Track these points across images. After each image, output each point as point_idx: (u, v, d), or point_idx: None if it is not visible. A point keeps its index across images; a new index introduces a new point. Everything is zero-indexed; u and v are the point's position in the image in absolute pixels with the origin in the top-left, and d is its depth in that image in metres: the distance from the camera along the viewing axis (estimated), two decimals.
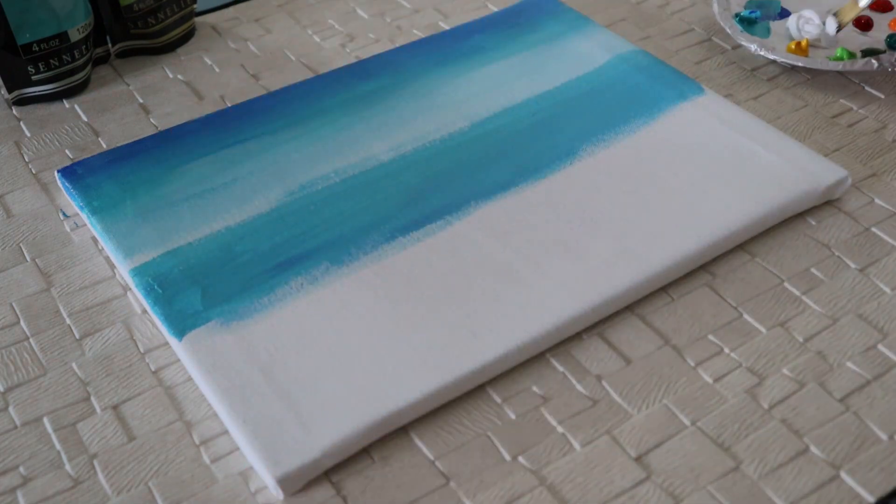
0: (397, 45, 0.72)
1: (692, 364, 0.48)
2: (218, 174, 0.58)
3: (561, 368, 0.49)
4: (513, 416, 0.46)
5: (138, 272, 0.52)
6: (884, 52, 0.67)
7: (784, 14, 0.72)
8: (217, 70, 0.70)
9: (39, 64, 0.65)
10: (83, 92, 0.68)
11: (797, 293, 0.52)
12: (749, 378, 0.48)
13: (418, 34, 0.73)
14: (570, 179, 0.57)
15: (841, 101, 0.66)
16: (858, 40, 0.69)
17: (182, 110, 0.66)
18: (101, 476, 0.44)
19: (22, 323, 0.52)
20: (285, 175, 0.58)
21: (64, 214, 0.58)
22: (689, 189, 0.56)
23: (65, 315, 0.52)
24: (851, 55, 0.67)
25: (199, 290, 0.51)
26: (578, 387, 0.48)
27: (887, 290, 0.52)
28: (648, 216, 0.54)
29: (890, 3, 0.72)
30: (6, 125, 0.65)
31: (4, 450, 0.45)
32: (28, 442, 0.46)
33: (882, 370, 0.48)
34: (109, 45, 0.70)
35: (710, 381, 0.48)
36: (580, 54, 0.67)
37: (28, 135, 0.64)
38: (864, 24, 0.70)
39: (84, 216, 0.56)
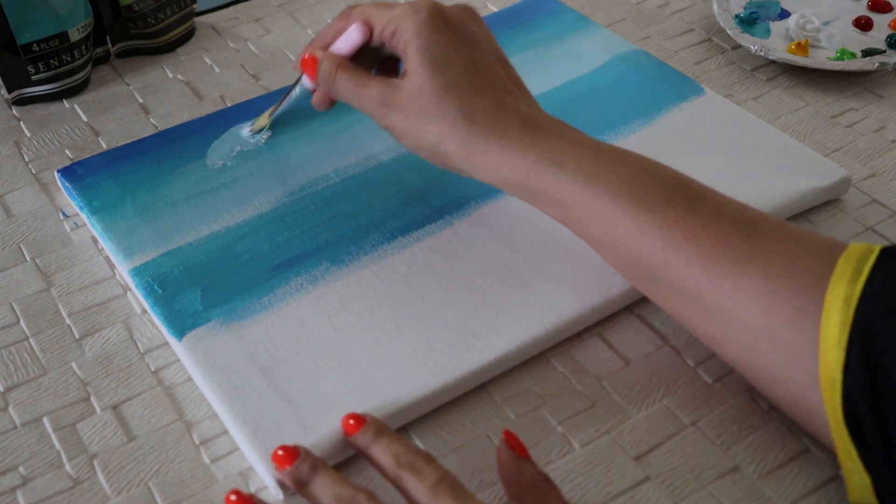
0: None
1: (692, 364, 0.48)
2: (218, 174, 0.58)
3: (561, 369, 0.49)
4: (513, 416, 0.46)
5: (138, 272, 0.52)
6: (884, 52, 0.67)
7: (784, 15, 0.72)
8: (217, 70, 0.70)
9: (39, 64, 0.65)
10: (83, 92, 0.68)
11: None
12: None
13: None
14: None
15: (841, 101, 0.66)
16: (858, 40, 0.69)
17: (182, 110, 0.66)
18: (101, 476, 0.44)
19: (22, 323, 0.52)
20: (285, 175, 0.58)
21: (64, 214, 0.58)
22: None
23: (65, 315, 0.52)
24: (851, 55, 0.67)
25: (199, 290, 0.51)
26: (578, 387, 0.48)
27: None
28: None
29: (890, 3, 0.72)
30: (6, 125, 0.65)
31: (4, 450, 0.45)
32: (28, 442, 0.46)
33: None
34: (109, 45, 0.70)
35: (709, 381, 0.48)
36: (580, 54, 0.67)
37: (28, 135, 0.64)
38: (864, 24, 0.70)
39: (84, 216, 0.56)
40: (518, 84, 0.51)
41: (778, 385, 0.42)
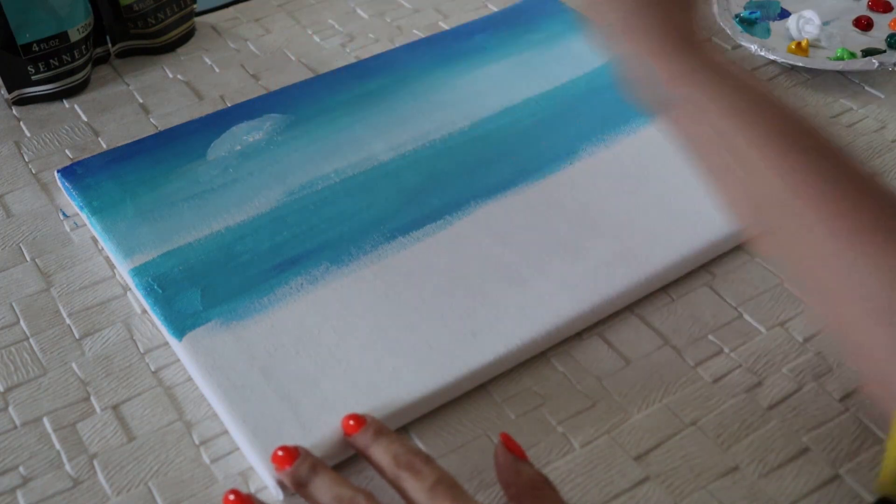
0: (397, 45, 0.72)
1: (692, 364, 0.48)
2: (218, 174, 0.58)
3: (561, 368, 0.49)
4: (513, 416, 0.46)
5: (138, 272, 0.52)
6: (884, 52, 0.67)
7: (784, 14, 0.72)
8: (217, 70, 0.70)
9: (39, 64, 0.65)
10: (83, 92, 0.68)
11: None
12: (749, 378, 0.48)
13: (418, 34, 0.73)
14: (570, 179, 0.57)
15: (841, 101, 0.66)
16: (858, 40, 0.69)
17: (182, 110, 0.66)
18: (101, 476, 0.44)
19: (22, 323, 0.52)
20: (285, 175, 0.58)
21: (64, 214, 0.58)
22: (688, 189, 0.56)
23: (65, 315, 0.52)
24: (851, 55, 0.67)
25: (199, 290, 0.51)
26: (578, 387, 0.48)
27: None
28: (648, 216, 0.54)
29: (890, 3, 0.72)
30: (6, 125, 0.65)
31: (4, 450, 0.45)
32: (28, 442, 0.46)
33: None
34: (109, 45, 0.70)
35: (709, 381, 0.48)
36: (580, 54, 0.67)
37: (28, 135, 0.64)
38: (864, 24, 0.70)
39: (84, 216, 0.56)
40: None
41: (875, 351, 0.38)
